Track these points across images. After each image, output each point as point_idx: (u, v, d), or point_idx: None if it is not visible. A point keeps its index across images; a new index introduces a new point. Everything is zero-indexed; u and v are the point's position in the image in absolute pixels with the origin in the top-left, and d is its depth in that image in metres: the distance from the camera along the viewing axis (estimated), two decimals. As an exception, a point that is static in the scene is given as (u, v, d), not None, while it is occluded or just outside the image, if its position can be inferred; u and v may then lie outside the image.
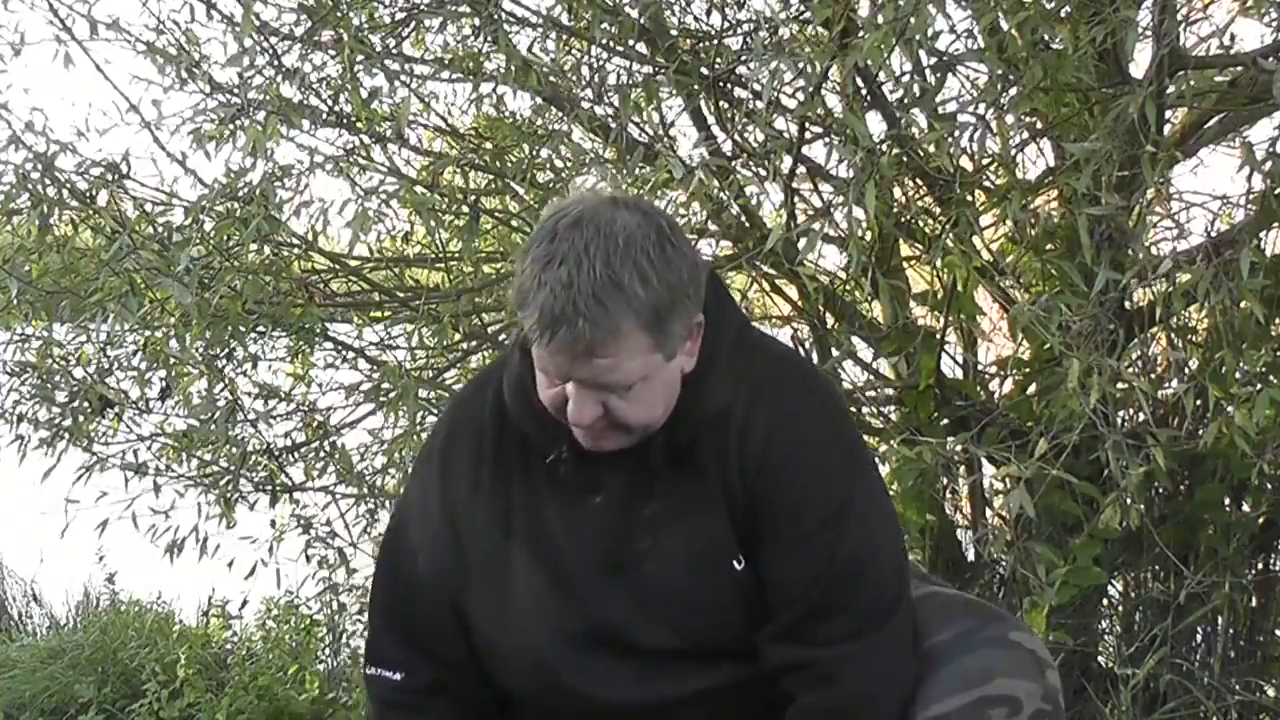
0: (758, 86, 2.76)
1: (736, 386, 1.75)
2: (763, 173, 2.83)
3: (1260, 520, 3.16)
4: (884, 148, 2.59)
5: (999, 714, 1.74)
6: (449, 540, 1.84)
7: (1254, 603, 3.19)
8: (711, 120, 3.01)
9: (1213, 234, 2.84)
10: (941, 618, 1.84)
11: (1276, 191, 2.68)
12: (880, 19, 2.39)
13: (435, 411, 3.57)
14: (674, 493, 1.76)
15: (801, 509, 1.74)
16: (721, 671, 1.79)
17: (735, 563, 1.76)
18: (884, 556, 1.80)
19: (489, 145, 3.30)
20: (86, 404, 3.21)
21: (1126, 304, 2.81)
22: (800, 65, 2.57)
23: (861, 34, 2.44)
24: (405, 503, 1.96)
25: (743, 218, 3.01)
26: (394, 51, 3.16)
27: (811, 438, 1.77)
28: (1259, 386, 2.45)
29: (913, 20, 2.33)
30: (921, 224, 3.04)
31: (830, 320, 3.19)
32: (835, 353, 3.14)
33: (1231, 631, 3.18)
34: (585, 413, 1.66)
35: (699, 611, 1.77)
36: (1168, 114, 2.88)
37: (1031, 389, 3.03)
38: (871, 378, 3.46)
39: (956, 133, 2.62)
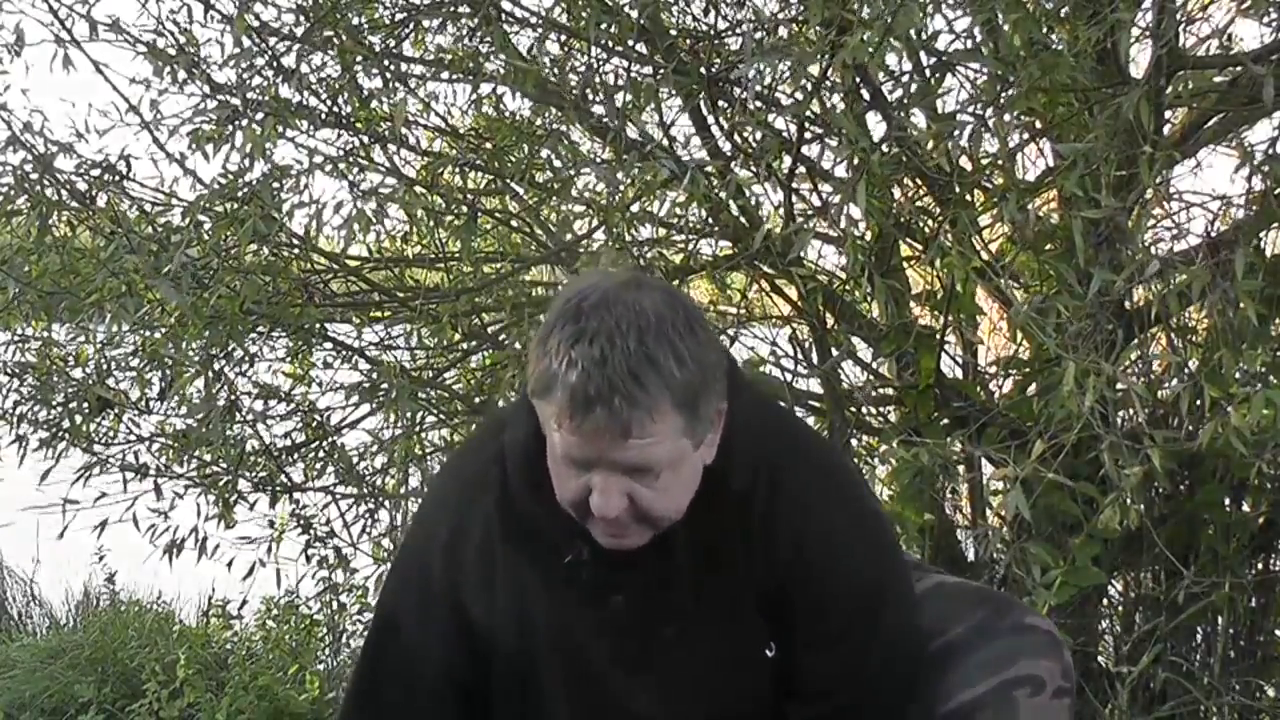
0: (758, 87, 2.76)
1: (755, 476, 1.72)
2: (762, 172, 2.83)
3: (1260, 520, 3.16)
4: (883, 147, 2.58)
5: (1023, 693, 1.79)
6: (459, 640, 1.79)
7: (1254, 603, 3.19)
8: (710, 120, 3.01)
9: (1212, 234, 2.84)
10: (955, 610, 1.87)
11: (1276, 192, 2.68)
12: (866, 14, 2.39)
13: (435, 412, 3.59)
14: (699, 586, 1.73)
15: (832, 604, 1.75)
16: None
17: (767, 650, 1.76)
18: (914, 638, 1.82)
19: (488, 145, 3.30)
20: (85, 405, 3.21)
21: (1126, 304, 2.81)
22: (790, 64, 2.57)
23: (862, 34, 2.44)
24: (399, 595, 1.88)
25: (741, 218, 3.01)
26: (394, 51, 3.16)
27: (838, 531, 1.76)
28: (1258, 386, 2.45)
29: (898, 18, 2.33)
30: (921, 224, 3.04)
31: (830, 320, 3.19)
32: (835, 353, 3.14)
33: (1231, 631, 3.18)
34: (612, 504, 1.58)
35: (731, 699, 1.77)
36: (1167, 114, 2.88)
37: (1031, 389, 3.03)
38: (871, 378, 3.45)
39: (955, 132, 2.63)
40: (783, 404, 2.19)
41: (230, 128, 2.96)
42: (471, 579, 1.77)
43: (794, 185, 2.86)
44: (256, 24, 3.06)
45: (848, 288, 3.15)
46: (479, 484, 1.78)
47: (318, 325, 3.29)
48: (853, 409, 3.20)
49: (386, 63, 3.07)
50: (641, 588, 1.72)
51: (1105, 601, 3.30)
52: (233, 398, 3.30)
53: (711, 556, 1.71)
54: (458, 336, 3.40)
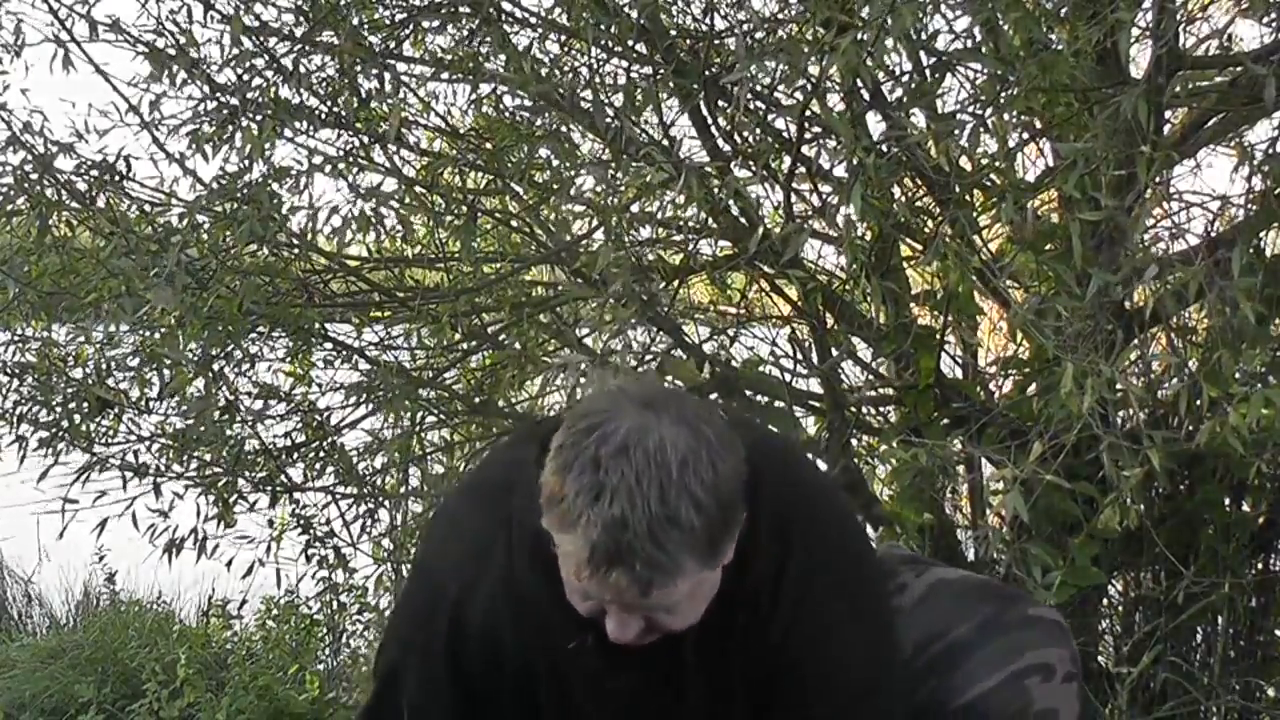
0: (756, 87, 2.76)
1: (766, 565, 1.70)
2: (761, 172, 2.83)
3: (1260, 520, 3.16)
4: (882, 148, 2.58)
5: (1034, 681, 1.84)
6: (462, 708, 1.78)
7: (1254, 603, 3.19)
8: (710, 120, 3.01)
9: (1212, 234, 2.84)
10: (959, 607, 1.90)
11: (1276, 192, 2.68)
12: (866, 14, 2.39)
13: (435, 412, 3.59)
14: (705, 670, 1.73)
15: (818, 695, 1.75)
16: None
17: None
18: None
19: (488, 145, 3.30)
20: (85, 405, 3.21)
21: (1126, 304, 2.81)
22: (786, 66, 2.57)
23: (857, 35, 2.44)
24: (402, 656, 1.85)
25: (741, 218, 3.00)
26: (394, 52, 3.16)
27: (835, 625, 1.76)
28: (1257, 386, 2.45)
29: (894, 21, 2.33)
30: (920, 224, 3.04)
31: (830, 320, 3.19)
32: (835, 353, 3.14)
33: (1231, 631, 3.18)
34: (627, 633, 1.58)
35: None
36: (1167, 114, 2.88)
37: (1031, 389, 3.03)
38: (871, 378, 3.46)
39: (955, 132, 2.63)
40: (804, 462, 2.10)
41: (230, 128, 2.95)
42: (475, 649, 1.76)
43: (793, 185, 2.86)
44: (256, 24, 3.05)
45: (847, 288, 3.15)
46: (485, 552, 1.76)
47: (317, 325, 3.29)
48: (852, 409, 3.21)
49: (387, 62, 3.06)
50: (645, 675, 1.72)
51: (1105, 601, 3.30)
52: (232, 398, 3.30)
53: (718, 648, 1.71)
54: (458, 336, 3.40)
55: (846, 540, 1.87)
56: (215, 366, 3.21)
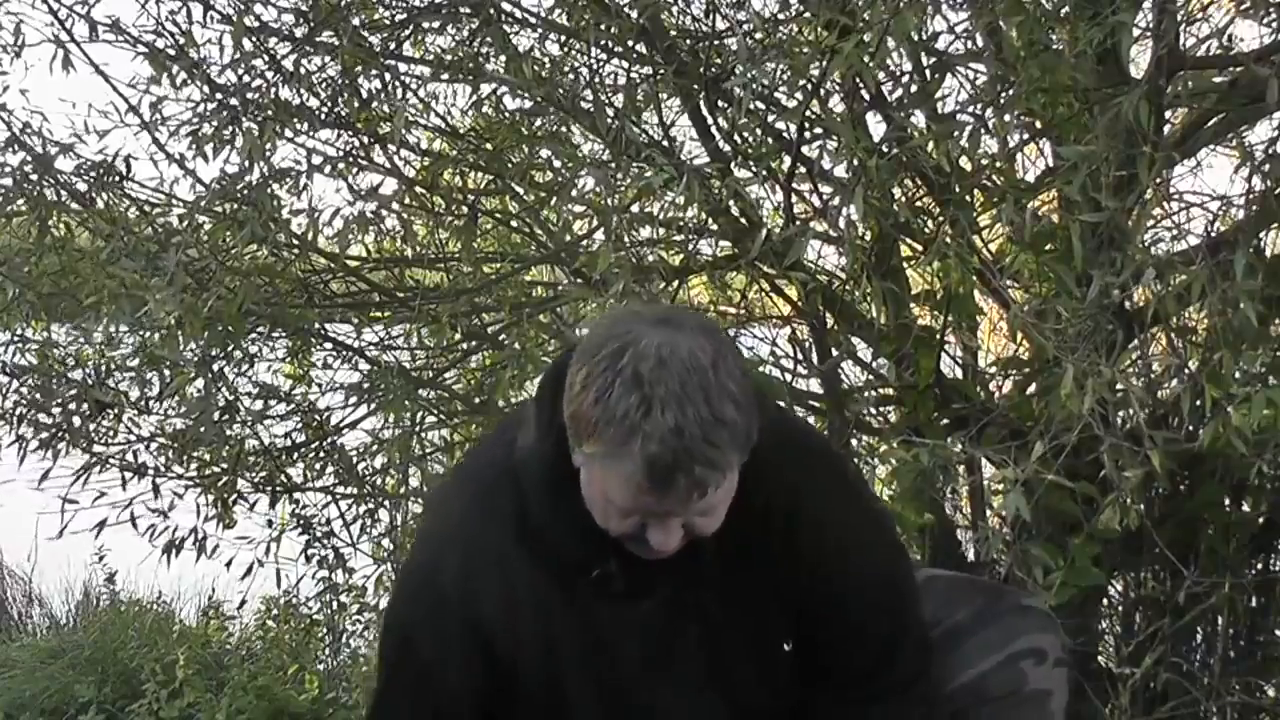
0: (756, 87, 2.76)
1: (775, 473, 1.74)
2: (762, 173, 2.83)
3: (1260, 520, 3.16)
4: (883, 148, 2.58)
5: (1029, 664, 1.92)
6: (477, 661, 1.78)
7: (1254, 603, 3.19)
8: (710, 121, 3.00)
9: (1212, 234, 2.84)
10: (952, 599, 1.98)
11: (1276, 192, 2.68)
12: (868, 16, 2.39)
13: (435, 412, 3.59)
14: (723, 585, 1.76)
15: (854, 597, 1.83)
16: None
17: (785, 645, 1.82)
18: (925, 625, 1.92)
19: (488, 146, 3.30)
20: (85, 405, 3.21)
21: (1126, 305, 2.81)
22: (783, 68, 2.57)
23: (859, 38, 2.44)
24: (411, 617, 1.84)
25: (741, 219, 3.00)
26: (394, 52, 3.16)
27: (854, 527, 1.85)
28: (1258, 386, 2.45)
29: (895, 24, 2.33)
30: (920, 224, 3.04)
31: (830, 320, 3.19)
32: (835, 353, 3.13)
33: (1231, 631, 3.18)
34: (671, 541, 1.62)
35: (752, 694, 1.82)
36: (1167, 114, 2.88)
37: (1031, 389, 3.03)
38: (871, 378, 3.46)
39: (955, 133, 2.63)
40: (778, 402, 2.28)
41: (230, 130, 2.95)
42: (489, 598, 1.76)
43: (794, 186, 2.85)
44: (256, 24, 3.05)
45: (848, 288, 3.15)
46: (492, 499, 1.77)
47: (317, 325, 3.29)
48: (852, 409, 3.20)
49: (387, 63, 3.06)
50: (670, 590, 1.74)
51: (1105, 602, 3.30)
52: (232, 398, 3.30)
53: (736, 555, 1.74)
54: (457, 336, 3.40)
55: (840, 458, 2.05)
56: (215, 367, 3.20)
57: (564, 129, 3.06)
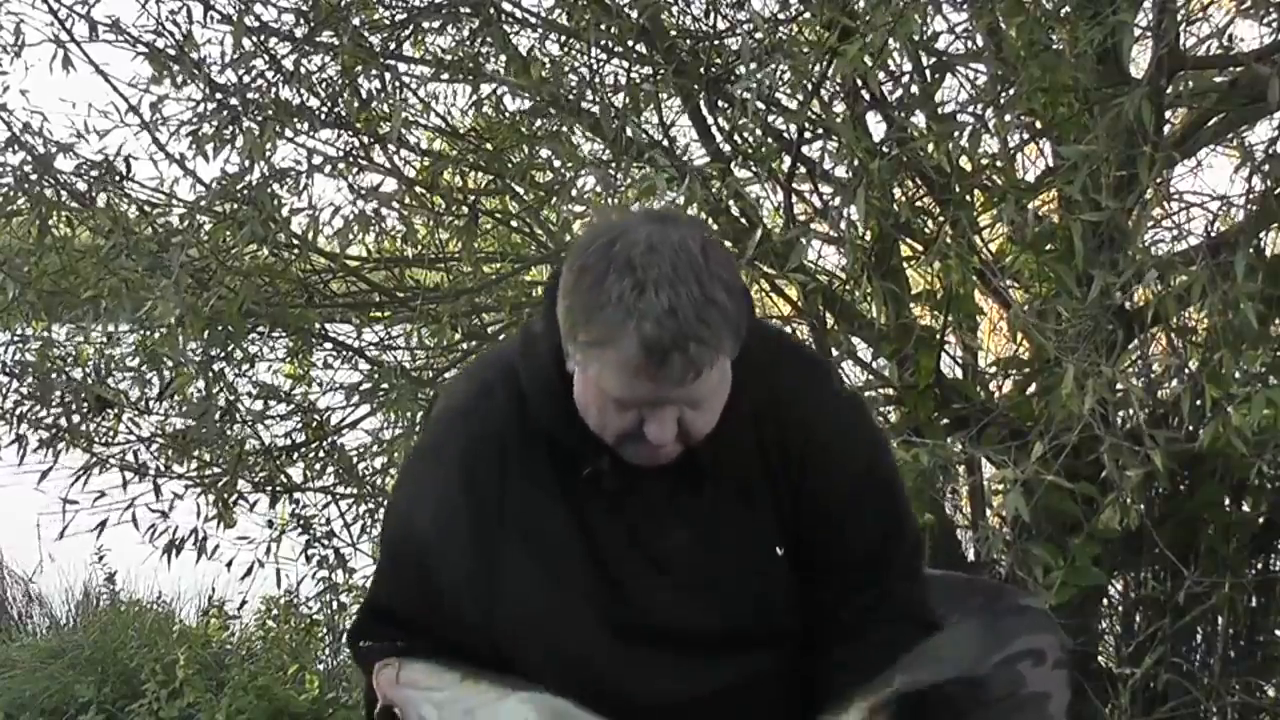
0: (755, 86, 2.76)
1: (760, 378, 1.76)
2: (763, 173, 2.83)
3: (1260, 520, 3.16)
4: (884, 149, 2.58)
5: (1026, 665, 1.89)
6: (477, 553, 1.79)
7: (1254, 603, 3.19)
8: (710, 121, 3.01)
9: (1212, 234, 2.84)
10: (949, 599, 1.95)
11: (1276, 192, 2.68)
12: (870, 17, 2.39)
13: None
14: (714, 487, 1.77)
15: (843, 485, 1.82)
16: (756, 661, 1.82)
17: (777, 549, 1.81)
18: (914, 518, 1.95)
19: (488, 146, 3.30)
20: (85, 405, 3.21)
21: (1126, 305, 2.81)
22: (785, 69, 2.57)
23: (863, 36, 2.44)
24: (408, 514, 1.87)
25: (741, 219, 3.00)
26: (394, 52, 3.16)
27: (839, 415, 1.86)
28: (1258, 386, 2.45)
29: (898, 26, 2.33)
30: (921, 224, 3.04)
31: (830, 320, 3.19)
32: (835, 353, 3.13)
33: (1231, 631, 3.18)
34: (667, 432, 1.63)
35: (745, 599, 1.81)
36: (1167, 114, 2.88)
37: (1031, 389, 3.03)
38: (871, 378, 3.46)
39: (956, 133, 2.63)
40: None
41: (230, 130, 2.95)
42: (489, 499, 1.78)
43: (794, 186, 2.85)
44: (256, 24, 3.05)
45: (848, 288, 3.14)
46: (480, 409, 1.81)
47: (318, 325, 3.29)
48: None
49: (387, 63, 3.06)
50: (661, 491, 1.76)
51: (1106, 602, 3.30)
52: (232, 398, 3.30)
53: (727, 456, 1.75)
54: (458, 336, 3.40)
55: (820, 361, 2.04)
56: (215, 367, 3.20)
57: (564, 129, 3.06)
